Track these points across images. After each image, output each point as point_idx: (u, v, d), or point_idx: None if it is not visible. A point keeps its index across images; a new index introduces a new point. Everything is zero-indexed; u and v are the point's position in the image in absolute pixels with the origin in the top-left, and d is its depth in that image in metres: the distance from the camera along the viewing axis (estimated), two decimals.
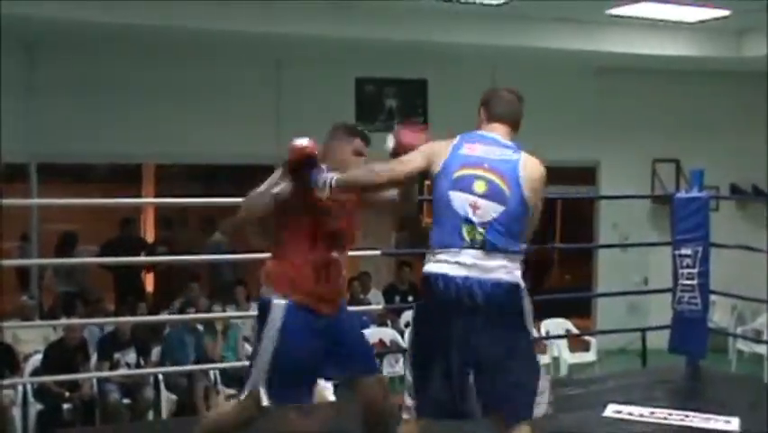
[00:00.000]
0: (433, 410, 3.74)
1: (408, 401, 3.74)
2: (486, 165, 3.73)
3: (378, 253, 7.78)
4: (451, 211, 3.68)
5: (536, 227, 3.87)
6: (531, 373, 3.71)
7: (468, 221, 3.65)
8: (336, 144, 4.30)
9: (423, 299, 3.73)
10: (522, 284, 3.69)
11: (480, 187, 3.69)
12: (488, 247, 3.63)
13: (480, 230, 3.64)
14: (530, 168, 3.79)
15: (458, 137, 3.86)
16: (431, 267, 3.67)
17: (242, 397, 3.99)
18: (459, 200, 3.68)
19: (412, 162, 3.81)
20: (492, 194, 3.68)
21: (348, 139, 4.31)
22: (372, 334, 9.30)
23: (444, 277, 3.62)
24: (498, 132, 3.93)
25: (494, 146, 3.83)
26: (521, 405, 3.68)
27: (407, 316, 9.42)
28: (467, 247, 3.63)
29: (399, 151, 3.96)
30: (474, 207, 3.66)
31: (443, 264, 3.63)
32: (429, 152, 3.82)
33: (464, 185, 3.70)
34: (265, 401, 3.90)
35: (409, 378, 3.78)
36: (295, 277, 3.96)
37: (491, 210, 3.66)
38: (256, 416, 3.99)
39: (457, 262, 3.62)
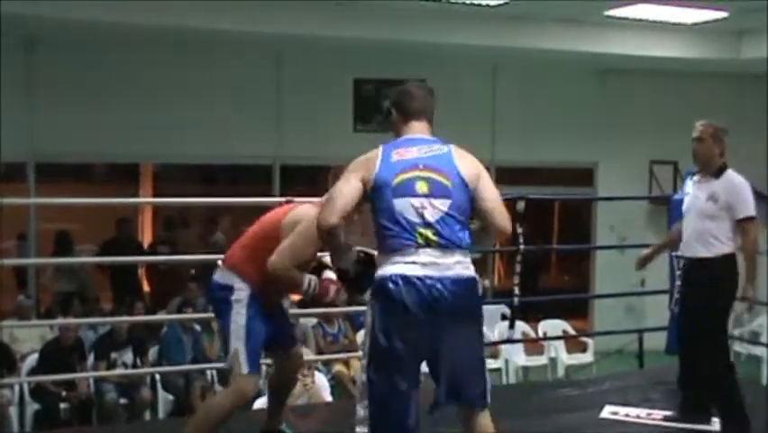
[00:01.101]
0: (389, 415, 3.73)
1: (361, 412, 3.79)
2: (421, 165, 3.75)
3: (374, 253, 7.77)
4: (400, 217, 3.68)
5: (504, 211, 3.88)
6: (484, 363, 3.82)
7: (418, 224, 3.67)
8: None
9: (380, 302, 3.68)
10: (478, 277, 3.75)
11: (422, 187, 3.71)
12: (442, 244, 3.65)
13: (433, 229, 3.66)
14: (461, 154, 3.84)
15: (380, 147, 3.84)
16: (387, 269, 3.66)
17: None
18: (405, 205, 3.69)
19: (350, 193, 3.74)
20: (436, 191, 3.70)
21: None
22: None
23: (403, 277, 3.61)
24: (419, 130, 3.93)
25: (422, 145, 3.84)
26: (481, 393, 3.75)
27: None
28: (422, 247, 3.64)
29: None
30: (422, 208, 3.68)
31: (400, 265, 3.63)
32: (358, 173, 3.77)
33: (406, 190, 3.71)
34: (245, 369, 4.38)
35: (363, 384, 3.77)
36: None
37: (439, 206, 3.69)
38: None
39: (414, 262, 3.62)
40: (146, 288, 11.68)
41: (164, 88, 10.48)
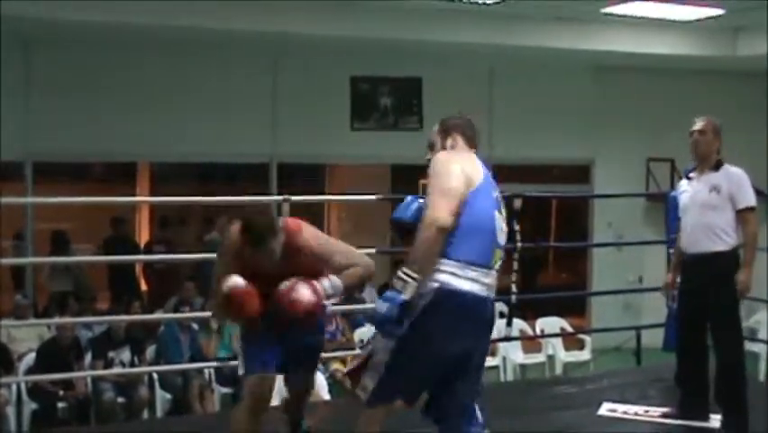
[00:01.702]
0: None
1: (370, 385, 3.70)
2: (494, 184, 3.83)
3: (372, 251, 7.77)
4: (489, 231, 3.68)
5: None
6: None
7: (498, 244, 3.71)
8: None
9: (439, 310, 3.59)
10: None
11: (502, 210, 3.79)
12: (497, 270, 3.73)
13: (501, 253, 3.74)
14: None
15: (474, 155, 3.86)
16: (461, 283, 3.59)
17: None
18: (497, 222, 3.72)
19: (456, 196, 3.61)
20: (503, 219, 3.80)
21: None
22: (367, 332, 9.31)
23: (474, 297, 3.62)
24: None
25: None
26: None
27: None
28: (491, 268, 3.69)
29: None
30: (502, 232, 3.75)
31: (474, 283, 3.61)
32: (464, 173, 3.68)
33: (498, 206, 3.76)
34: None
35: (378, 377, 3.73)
36: None
37: (504, 230, 3.78)
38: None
39: (484, 283, 3.64)
40: (143, 287, 11.68)
41: (161, 87, 10.48)
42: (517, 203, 7.03)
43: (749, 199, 5.41)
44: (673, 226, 7.15)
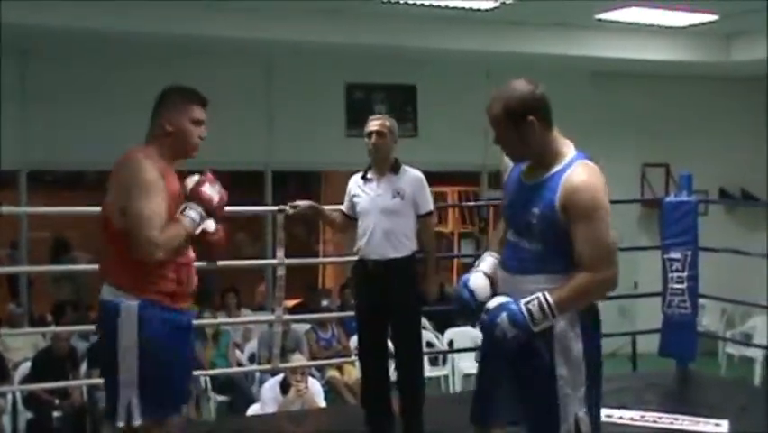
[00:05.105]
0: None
1: None
2: None
3: None
4: None
5: None
6: None
7: None
8: (171, 113, 3.95)
9: (595, 326, 3.46)
10: None
11: None
12: None
13: None
14: None
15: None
16: None
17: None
18: None
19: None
20: None
21: (184, 107, 3.99)
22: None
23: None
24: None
25: None
26: None
27: None
28: None
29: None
30: None
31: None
32: None
33: None
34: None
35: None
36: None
37: None
38: None
39: None
40: None
41: (155, 95, 10.46)
42: None
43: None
44: (667, 232, 7.20)
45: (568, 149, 3.44)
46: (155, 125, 3.90)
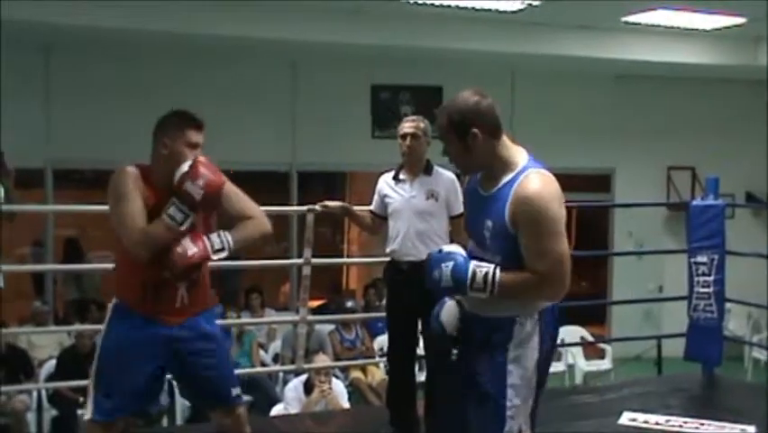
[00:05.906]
0: None
1: None
2: None
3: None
4: None
5: None
6: None
7: None
8: (168, 137, 3.96)
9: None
10: None
11: None
12: None
13: None
14: None
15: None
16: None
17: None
18: None
19: None
20: None
21: (180, 131, 3.99)
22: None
23: None
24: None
25: None
26: None
27: None
28: None
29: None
30: None
31: None
32: None
33: None
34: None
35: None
36: None
37: None
38: None
39: None
40: None
41: (180, 95, 10.41)
42: None
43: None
44: (694, 235, 7.15)
45: (520, 158, 3.36)
46: (153, 148, 3.98)
